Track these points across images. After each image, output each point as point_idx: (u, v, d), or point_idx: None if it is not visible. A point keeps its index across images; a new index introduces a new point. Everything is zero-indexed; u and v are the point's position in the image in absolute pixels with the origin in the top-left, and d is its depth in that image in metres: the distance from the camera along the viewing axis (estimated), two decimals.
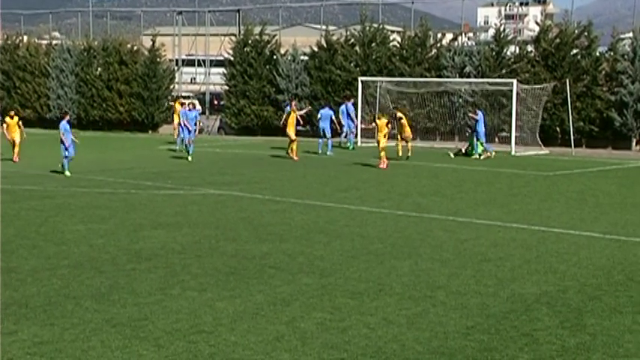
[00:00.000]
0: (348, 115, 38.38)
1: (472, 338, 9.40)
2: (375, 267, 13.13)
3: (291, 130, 32.49)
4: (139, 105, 50.60)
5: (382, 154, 29.59)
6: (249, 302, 10.83)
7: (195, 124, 32.04)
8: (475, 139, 33.97)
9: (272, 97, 47.45)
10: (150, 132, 50.77)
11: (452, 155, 33.94)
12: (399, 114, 33.44)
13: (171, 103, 43.98)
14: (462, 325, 9.90)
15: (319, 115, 35.83)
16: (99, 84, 51.94)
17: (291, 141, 32.36)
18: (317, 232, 16.25)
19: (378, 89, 42.05)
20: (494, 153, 33.91)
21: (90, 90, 52.22)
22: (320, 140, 35.47)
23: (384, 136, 29.80)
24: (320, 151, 34.89)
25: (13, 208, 18.96)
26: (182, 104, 39.40)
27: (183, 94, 56.49)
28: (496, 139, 40.38)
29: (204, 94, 56.10)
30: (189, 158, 31.49)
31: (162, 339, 9.23)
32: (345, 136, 38.60)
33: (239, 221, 17.57)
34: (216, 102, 55.32)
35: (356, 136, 39.13)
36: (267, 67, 47.97)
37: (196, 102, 46.01)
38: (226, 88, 49.86)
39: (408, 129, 33.09)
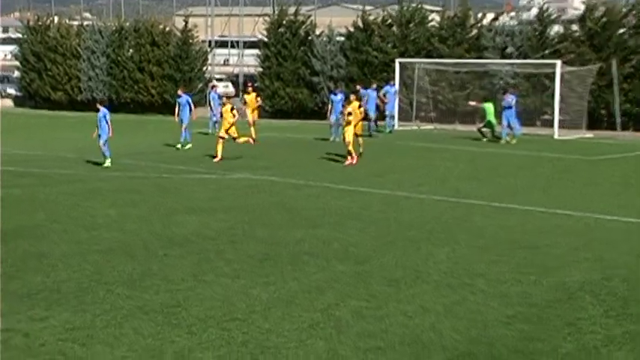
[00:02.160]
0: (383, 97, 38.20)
1: (513, 327, 9.35)
2: (412, 254, 13.10)
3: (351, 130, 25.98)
4: (171, 87, 50.79)
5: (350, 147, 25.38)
6: (283, 289, 10.86)
7: (191, 110, 31.25)
8: (504, 122, 33.24)
9: (307, 79, 47.42)
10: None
11: (485, 139, 33.61)
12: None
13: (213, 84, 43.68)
14: (502, 314, 9.85)
15: (365, 97, 35.47)
16: (130, 66, 52.24)
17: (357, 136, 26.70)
18: (352, 218, 16.25)
19: (416, 71, 41.86)
20: (514, 140, 32.94)
21: (121, 72, 52.53)
22: (371, 124, 35.13)
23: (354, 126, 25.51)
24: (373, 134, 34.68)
25: (44, 193, 19.16)
26: (214, 87, 39.54)
27: (216, 76, 56.70)
28: (538, 122, 40.06)
29: (237, 76, 56.24)
30: (178, 146, 30.30)
31: (195, 326, 9.29)
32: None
33: (273, 206, 17.61)
34: (249, 84, 55.42)
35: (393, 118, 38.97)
36: (302, 48, 47.91)
37: (217, 84, 45.90)
38: (260, 70, 49.90)
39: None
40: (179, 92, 32.42)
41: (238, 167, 24.28)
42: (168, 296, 10.47)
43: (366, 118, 35.33)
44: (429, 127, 40.58)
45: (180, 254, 12.89)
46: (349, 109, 25.52)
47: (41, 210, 16.80)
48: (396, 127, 38.80)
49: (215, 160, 25.51)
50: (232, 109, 26.58)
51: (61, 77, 54.68)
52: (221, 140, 26.06)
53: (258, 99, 34.99)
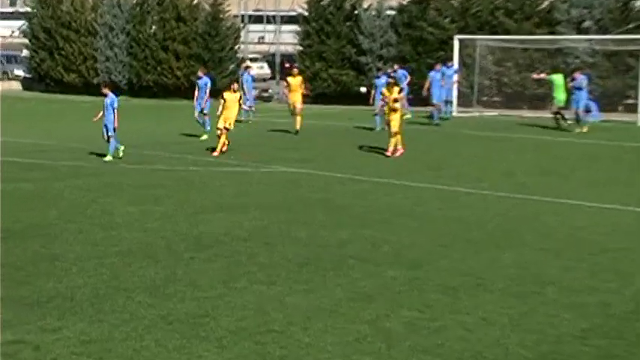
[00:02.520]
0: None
1: (589, 343, 9.29)
2: (473, 257, 13.06)
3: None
4: (198, 68, 50.98)
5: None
6: (325, 297, 10.88)
7: (205, 92, 31.04)
8: (578, 106, 32.64)
9: (352, 59, 47.41)
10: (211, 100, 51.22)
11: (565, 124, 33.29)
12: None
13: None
14: (577, 328, 9.78)
15: (429, 81, 35.28)
16: (153, 44, 52.62)
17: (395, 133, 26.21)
18: (405, 217, 16.23)
19: (477, 50, 41.67)
20: (585, 128, 32.41)
21: (143, 51, 52.94)
22: (434, 111, 35.03)
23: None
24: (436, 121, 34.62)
25: (56, 188, 19.37)
26: (248, 68, 39.67)
27: (250, 55, 56.90)
28: (620, 108, 39.67)
29: (273, 55, 56.37)
30: (204, 136, 29.79)
31: (226, 339, 9.34)
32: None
33: (313, 203, 17.65)
34: (287, 65, 55.48)
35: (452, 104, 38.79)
36: (348, 24, 47.93)
37: (251, 64, 46.00)
38: (299, 48, 49.98)
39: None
40: (199, 73, 32.33)
41: (274, 159, 24.35)
42: (194, 305, 10.54)
43: (427, 103, 35.30)
44: (493, 113, 40.37)
45: (209, 257, 12.97)
46: (395, 94, 25.43)
47: (53, 207, 16.99)
48: (454, 113, 38.67)
49: (214, 154, 25.20)
50: (240, 98, 26.42)
51: (75, 57, 55.25)
52: (225, 131, 25.67)
53: (304, 83, 34.01)
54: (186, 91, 51.46)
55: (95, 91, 52.10)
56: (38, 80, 58.28)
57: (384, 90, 26.41)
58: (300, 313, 10.23)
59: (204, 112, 30.74)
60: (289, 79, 33.33)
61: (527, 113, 39.45)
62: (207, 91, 30.90)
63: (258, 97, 47.47)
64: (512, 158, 25.13)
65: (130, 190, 19.16)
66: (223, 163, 23.69)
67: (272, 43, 59.46)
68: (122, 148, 24.21)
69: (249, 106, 36.39)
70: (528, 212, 16.82)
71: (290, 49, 54.53)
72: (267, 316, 10.13)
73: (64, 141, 28.86)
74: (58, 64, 55.66)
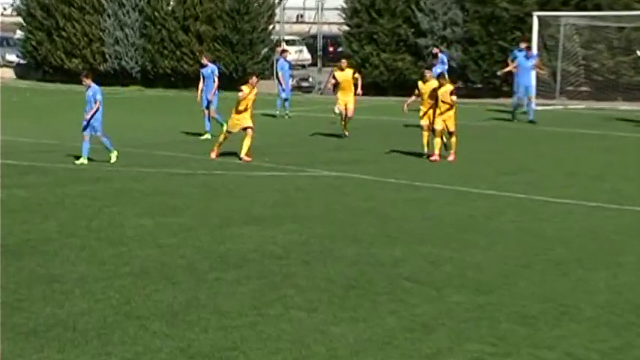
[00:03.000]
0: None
1: None
2: (556, 280, 12.98)
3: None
4: (225, 53, 51.19)
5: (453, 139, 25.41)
6: (376, 327, 10.87)
7: (213, 81, 30.79)
8: None
9: (410, 42, 47.31)
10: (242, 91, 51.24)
11: None
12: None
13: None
14: None
15: (515, 62, 34.88)
16: (171, 24, 52.82)
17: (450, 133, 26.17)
18: (472, 231, 16.17)
19: (561, 29, 41.42)
20: None
21: (159, 32, 53.14)
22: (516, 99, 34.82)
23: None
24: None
25: (56, 195, 19.46)
26: (284, 52, 39.68)
27: (286, 37, 56.96)
28: None
29: (314, 37, 56.37)
30: (207, 136, 29.89)
31: None
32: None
33: (362, 214, 17.61)
34: (331, 48, 55.55)
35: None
36: None
37: (288, 48, 45.96)
38: (345, 28, 49.96)
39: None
40: (204, 60, 31.80)
41: (316, 161, 24.34)
42: (220, 335, 10.55)
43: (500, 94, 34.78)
44: (579, 105, 40.10)
45: (237, 279, 12.98)
46: (446, 86, 24.99)
47: (52, 218, 17.08)
48: (533, 106, 38.41)
49: (212, 156, 25.03)
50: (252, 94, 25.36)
51: (78, 39, 55.52)
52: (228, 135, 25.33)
53: (358, 79, 31.22)
54: None
55: (103, 79, 52.41)
56: (35, 67, 58.60)
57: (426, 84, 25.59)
58: (346, 346, 10.21)
59: (212, 106, 30.36)
60: (337, 73, 31.27)
61: (623, 105, 39.16)
62: (216, 79, 30.64)
63: (296, 88, 47.49)
64: (604, 160, 24.93)
65: (143, 199, 19.22)
66: (255, 166, 23.70)
67: (313, 23, 59.54)
68: (116, 153, 24.01)
69: (285, 99, 36.48)
70: (624, 226, 16.68)
71: (334, 29, 54.55)
72: (307, 349, 10.13)
73: (65, 139, 28.85)
74: (58, 47, 55.99)
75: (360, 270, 13.44)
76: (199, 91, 30.87)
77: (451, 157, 24.83)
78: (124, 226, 16.48)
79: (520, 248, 14.93)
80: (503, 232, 16.16)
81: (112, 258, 14.10)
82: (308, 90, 50.03)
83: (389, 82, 47.83)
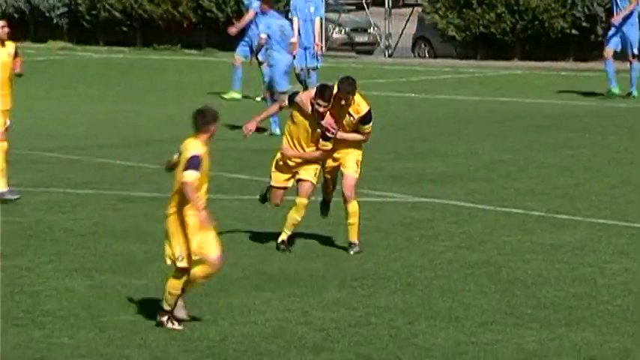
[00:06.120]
0: None
1: None
2: None
3: None
4: None
5: None
6: None
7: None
8: None
9: None
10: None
11: None
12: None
13: None
14: None
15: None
16: None
17: None
18: None
19: None
20: None
21: None
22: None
23: None
24: None
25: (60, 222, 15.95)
26: None
27: None
28: None
29: None
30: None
31: None
32: None
33: (466, 271, 13.56)
34: None
35: None
36: None
37: None
38: None
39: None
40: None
41: (379, 177, 18.70)
42: None
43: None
44: None
45: None
46: None
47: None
48: None
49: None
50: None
51: None
52: None
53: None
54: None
55: None
56: None
57: None
58: None
59: (259, 58, 25.04)
60: None
61: None
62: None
63: (347, 46, 40.82)
64: None
65: (73, 244, 14.80)
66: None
67: None
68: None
69: (312, 67, 28.89)
70: None
71: None
72: None
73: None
74: None
75: None
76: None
77: None
78: (38, 294, 12.53)
79: None
80: None
81: None
82: (367, 49, 43.03)
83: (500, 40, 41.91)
